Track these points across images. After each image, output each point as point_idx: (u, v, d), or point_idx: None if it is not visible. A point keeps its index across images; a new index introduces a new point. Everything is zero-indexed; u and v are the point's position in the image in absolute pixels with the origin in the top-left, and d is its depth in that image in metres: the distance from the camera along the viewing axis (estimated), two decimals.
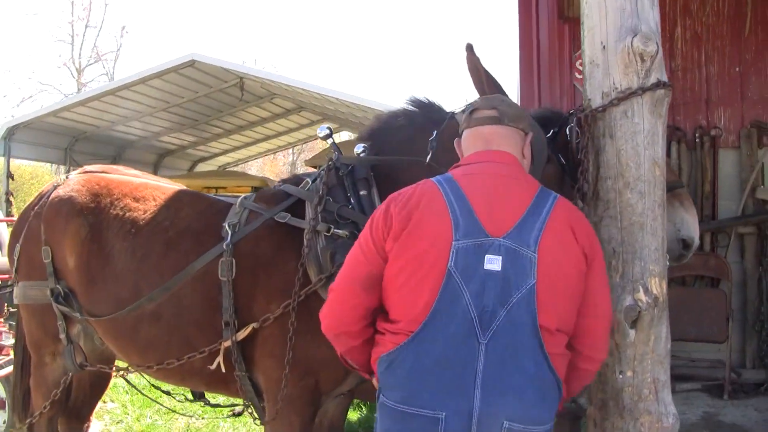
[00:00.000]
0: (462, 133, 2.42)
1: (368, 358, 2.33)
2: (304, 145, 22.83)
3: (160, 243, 3.19)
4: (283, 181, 3.38)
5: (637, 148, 2.47)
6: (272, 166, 38.95)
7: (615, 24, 2.48)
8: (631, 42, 2.42)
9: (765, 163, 6.11)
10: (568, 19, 6.53)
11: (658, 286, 2.48)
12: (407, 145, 3.00)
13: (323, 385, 2.99)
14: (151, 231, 3.24)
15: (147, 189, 3.42)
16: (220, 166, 20.32)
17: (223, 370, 3.01)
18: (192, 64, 12.31)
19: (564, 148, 2.80)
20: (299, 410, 2.96)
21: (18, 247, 3.58)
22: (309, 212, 2.99)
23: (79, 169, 3.76)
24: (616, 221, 2.49)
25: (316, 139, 22.98)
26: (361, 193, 2.97)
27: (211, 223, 3.20)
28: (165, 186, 3.52)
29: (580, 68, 6.84)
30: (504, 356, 2.04)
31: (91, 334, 3.51)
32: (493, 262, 2.06)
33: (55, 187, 3.57)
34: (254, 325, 2.93)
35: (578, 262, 2.13)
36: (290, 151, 34.10)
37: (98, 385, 3.93)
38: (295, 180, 3.36)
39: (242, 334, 2.96)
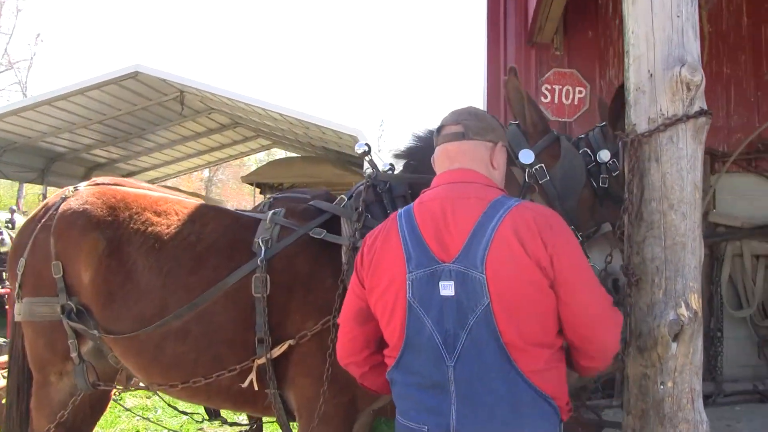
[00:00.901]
0: (435, 151, 2.47)
1: (383, 381, 2.44)
2: (223, 163, 22.55)
3: (188, 258, 3.15)
4: (314, 197, 3.39)
5: (681, 171, 2.62)
6: (188, 182, 38.23)
7: (663, 54, 2.63)
8: (680, 71, 2.57)
9: (716, 189, 6.46)
10: (536, 43, 6.78)
11: (696, 301, 2.62)
12: None
13: (360, 402, 3.02)
14: (176, 246, 3.18)
15: (168, 203, 3.36)
16: (148, 182, 19.77)
17: (256, 388, 2.99)
18: (135, 75, 12.06)
19: (597, 171, 2.95)
20: (335, 427, 2.97)
21: (23, 261, 3.41)
22: (346, 229, 3.02)
23: (88, 181, 3.66)
24: (660, 241, 2.62)
25: (249, 154, 22.92)
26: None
27: (240, 238, 3.18)
28: (185, 200, 3.47)
29: (546, 92, 7.20)
30: (471, 377, 2.11)
31: (104, 352, 3.39)
32: (447, 288, 2.14)
33: (64, 199, 3.44)
34: (291, 341, 2.94)
35: (532, 273, 2.10)
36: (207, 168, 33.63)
37: (98, 406, 3.77)
38: (326, 196, 3.38)
39: (278, 351, 2.95)
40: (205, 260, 3.14)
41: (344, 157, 16.36)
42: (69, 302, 3.26)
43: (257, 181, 16.37)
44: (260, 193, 16.67)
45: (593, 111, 6.66)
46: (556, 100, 7.07)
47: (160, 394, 3.49)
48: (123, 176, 18.52)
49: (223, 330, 3.06)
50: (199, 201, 3.54)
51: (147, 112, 14.48)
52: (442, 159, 2.41)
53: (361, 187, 3.16)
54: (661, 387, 2.63)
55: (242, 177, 18.66)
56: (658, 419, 2.63)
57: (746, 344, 6.55)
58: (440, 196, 2.28)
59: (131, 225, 3.25)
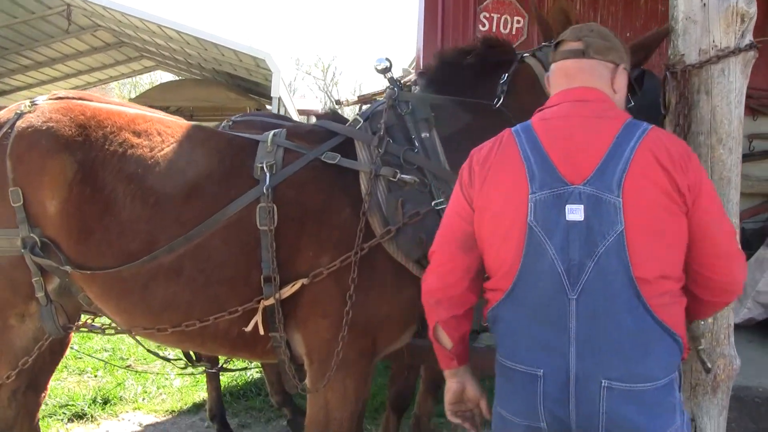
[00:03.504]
0: (550, 69, 2.31)
1: (461, 337, 2.28)
2: (102, 84, 21.18)
3: (179, 186, 2.76)
4: (320, 118, 3.11)
5: (729, 105, 2.56)
6: None
7: None
8: (737, 2, 2.49)
9: None
10: None
11: (738, 238, 2.62)
12: (473, 87, 2.86)
13: (379, 345, 2.81)
14: (164, 172, 2.77)
15: (147, 122, 2.91)
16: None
17: (261, 332, 2.72)
18: None
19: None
20: (355, 374, 2.75)
21: None
22: (362, 154, 2.77)
23: (48, 95, 3.08)
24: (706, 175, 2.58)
25: (131, 76, 21.66)
26: (423, 135, 2.79)
27: (238, 163, 2.83)
28: (166, 119, 3.03)
29: (484, 21, 7.07)
30: (597, 311, 1.95)
31: (73, 292, 2.94)
32: (575, 212, 1.97)
33: (20, 116, 2.87)
34: (304, 280, 2.65)
35: (670, 201, 1.97)
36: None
37: (58, 352, 3.29)
38: (335, 117, 3.10)
39: (288, 291, 2.66)
40: (199, 188, 2.77)
41: (237, 81, 15.78)
42: (32, 234, 2.79)
43: (146, 104, 15.41)
44: None
45: (531, 42, 6.60)
46: (494, 29, 6.96)
47: (140, 338, 3.11)
48: None
49: (222, 267, 2.74)
50: (182, 120, 3.14)
51: (27, 26, 13.27)
52: (558, 77, 2.23)
53: (381, 108, 2.88)
54: (702, 323, 2.62)
55: (129, 100, 17.62)
56: (696, 355, 2.63)
57: None
58: (566, 113, 2.11)
59: (107, 146, 2.79)
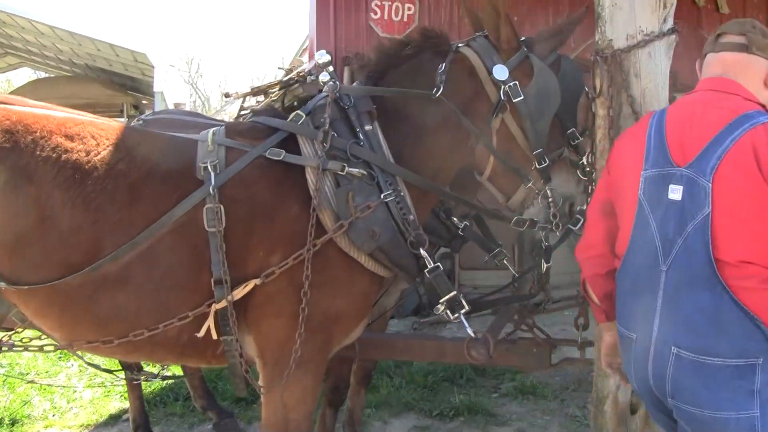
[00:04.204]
0: (705, 56, 2.37)
1: (606, 294, 2.43)
2: None
3: (121, 190, 2.62)
4: (256, 114, 3.03)
5: (657, 87, 2.71)
6: None
7: None
8: None
9: None
10: None
11: None
12: (412, 77, 2.87)
13: (335, 341, 2.79)
14: (103, 176, 2.61)
15: (78, 125, 2.73)
16: None
17: (214, 336, 2.62)
18: None
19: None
20: (312, 371, 2.72)
21: None
22: (307, 149, 2.73)
23: None
24: None
25: None
26: (366, 128, 2.76)
27: (179, 163, 2.71)
28: (98, 121, 2.86)
29: (376, 9, 7.11)
30: (680, 284, 2.11)
31: (3, 310, 2.76)
32: (675, 192, 2.14)
33: None
34: (256, 281, 2.57)
35: (762, 193, 2.05)
36: None
37: None
38: (272, 112, 3.03)
39: (240, 292, 2.57)
40: (141, 191, 2.64)
41: (111, 76, 15.17)
42: None
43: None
44: None
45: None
46: (386, 16, 7.02)
47: (80, 353, 2.95)
48: None
49: (171, 272, 2.63)
50: (114, 122, 2.98)
51: None
52: (713, 66, 2.32)
53: (322, 102, 2.81)
54: None
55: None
56: None
57: (567, 252, 7.10)
58: (696, 100, 2.26)
59: (38, 152, 2.61)
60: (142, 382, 4.83)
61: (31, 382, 5.57)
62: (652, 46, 2.67)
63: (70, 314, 2.67)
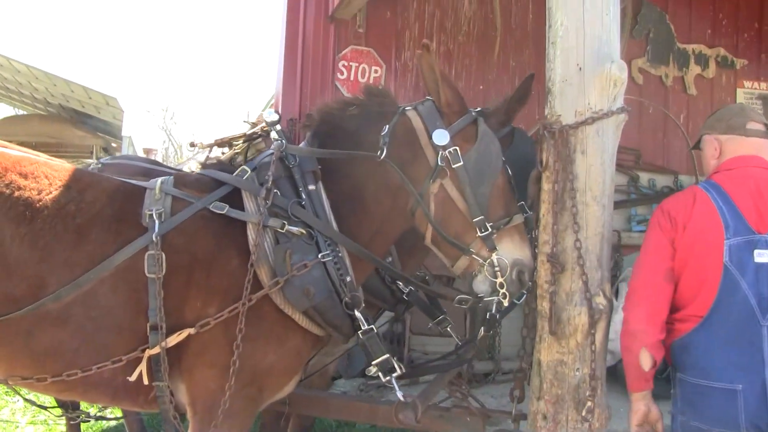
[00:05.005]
0: (723, 137, 2.77)
1: (657, 361, 2.63)
2: None
3: (69, 231, 2.65)
4: (205, 167, 3.02)
5: (603, 165, 2.72)
6: None
7: (593, 49, 2.69)
8: (610, 68, 2.66)
9: None
10: (335, 19, 6.74)
11: (609, 290, 2.75)
12: (356, 137, 2.88)
13: (265, 394, 2.78)
14: (52, 215, 2.65)
15: (32, 164, 2.77)
16: None
17: (146, 382, 2.62)
18: None
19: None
20: (239, 424, 2.71)
21: None
22: (250, 204, 2.74)
23: None
24: (582, 231, 2.70)
25: None
26: (310, 188, 2.80)
27: (126, 209, 2.74)
28: (52, 162, 2.89)
29: (343, 69, 7.17)
30: None
31: None
32: (762, 256, 2.50)
33: None
34: (191, 330, 2.59)
35: None
36: None
37: None
38: (220, 166, 3.03)
39: (174, 340, 2.59)
40: (88, 233, 2.66)
41: (83, 118, 15.14)
42: None
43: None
44: None
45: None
46: (352, 77, 7.07)
47: (16, 388, 2.90)
48: None
49: (110, 314, 2.64)
50: (67, 164, 2.98)
51: None
52: (745, 147, 2.72)
53: (268, 159, 2.85)
54: (578, 373, 2.72)
55: None
56: (573, 404, 2.72)
57: (517, 323, 7.08)
58: (750, 175, 2.64)
59: None
60: (83, 423, 4.74)
61: None
62: (601, 124, 2.69)
63: (7, 349, 2.65)
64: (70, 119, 14.93)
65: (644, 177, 7.03)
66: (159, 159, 15.49)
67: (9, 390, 3.73)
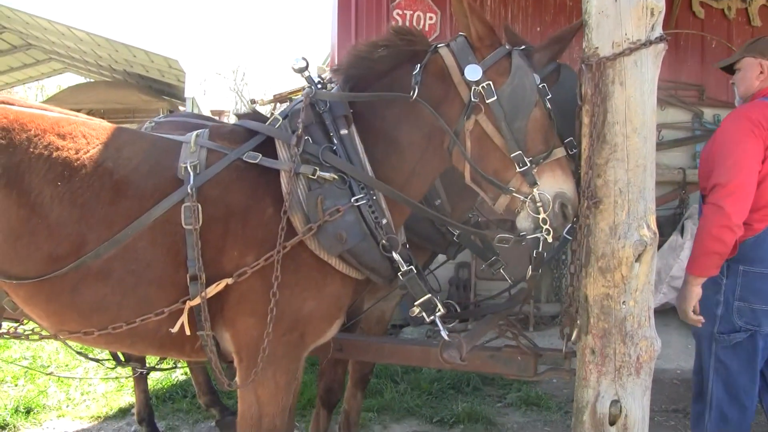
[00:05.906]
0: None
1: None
2: (10, 88, 20.29)
3: (106, 187, 2.71)
4: (240, 117, 3.08)
5: (643, 95, 2.67)
6: None
7: None
8: None
9: None
10: None
11: (654, 223, 2.73)
12: (387, 79, 2.85)
13: (307, 339, 2.82)
14: (90, 173, 2.72)
15: (71, 124, 2.84)
16: None
17: (188, 332, 2.70)
18: None
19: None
20: (284, 368, 2.77)
21: None
22: (282, 153, 2.77)
23: None
24: (623, 163, 2.67)
25: (39, 79, 20.90)
26: (342, 132, 2.78)
27: (162, 163, 2.80)
28: (89, 121, 2.96)
29: (397, 18, 7.13)
30: None
31: None
32: None
33: None
34: (228, 280, 2.65)
35: None
36: None
37: None
38: (255, 116, 3.08)
39: (213, 290, 2.65)
40: (125, 189, 2.73)
41: (149, 82, 15.47)
42: None
43: (57, 106, 14.87)
44: None
45: (443, 38, 6.68)
46: (407, 26, 7.03)
47: (69, 342, 3.04)
48: None
49: (151, 268, 2.71)
50: (106, 122, 3.07)
51: None
52: None
53: (298, 106, 2.85)
54: (624, 306, 2.72)
55: (41, 102, 16.94)
56: (620, 337, 2.73)
57: None
58: None
59: (31, 149, 2.73)
60: (152, 378, 4.95)
61: (50, 374, 5.76)
62: (638, 55, 2.64)
63: (55, 305, 2.76)
64: (136, 84, 15.26)
65: (708, 113, 6.87)
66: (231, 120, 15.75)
67: (83, 349, 3.94)
